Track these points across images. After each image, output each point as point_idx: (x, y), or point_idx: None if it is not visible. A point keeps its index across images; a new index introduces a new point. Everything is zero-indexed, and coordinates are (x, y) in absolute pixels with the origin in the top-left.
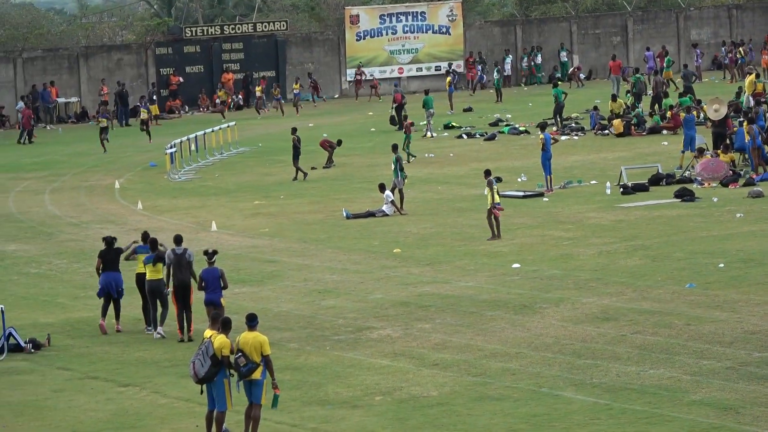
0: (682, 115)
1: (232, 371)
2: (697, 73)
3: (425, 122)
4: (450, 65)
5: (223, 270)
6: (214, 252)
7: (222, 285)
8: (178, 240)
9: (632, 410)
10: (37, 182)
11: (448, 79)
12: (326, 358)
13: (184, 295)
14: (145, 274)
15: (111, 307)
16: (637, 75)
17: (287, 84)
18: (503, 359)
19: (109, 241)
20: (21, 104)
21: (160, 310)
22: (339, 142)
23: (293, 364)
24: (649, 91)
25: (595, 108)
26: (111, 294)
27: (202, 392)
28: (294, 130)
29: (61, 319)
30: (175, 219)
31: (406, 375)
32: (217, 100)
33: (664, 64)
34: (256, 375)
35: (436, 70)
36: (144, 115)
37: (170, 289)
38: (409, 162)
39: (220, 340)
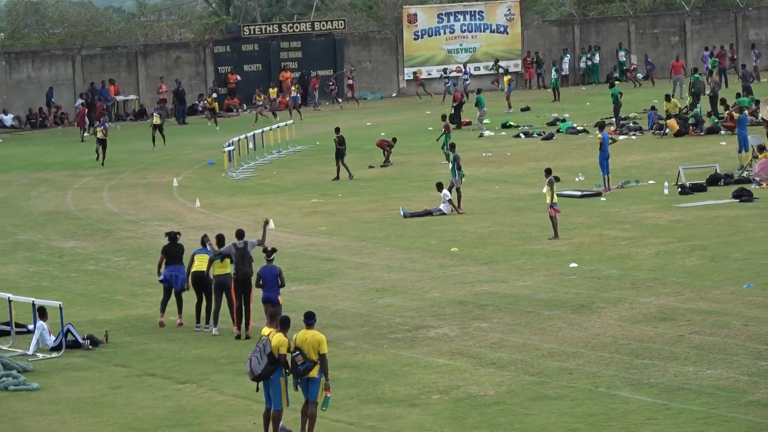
0: (736, 115)
1: (287, 370)
2: (755, 74)
3: (477, 122)
4: (496, 61)
5: (281, 268)
6: (273, 250)
7: (279, 283)
8: (239, 234)
9: (689, 410)
10: (95, 180)
11: (508, 77)
12: (383, 357)
13: (244, 288)
14: (202, 272)
15: (169, 303)
16: (696, 75)
17: (345, 83)
18: (560, 358)
19: (173, 236)
20: (80, 101)
21: (212, 305)
22: (394, 140)
23: (350, 362)
24: (707, 91)
25: (653, 108)
26: (173, 287)
27: (257, 390)
28: (337, 130)
29: (118, 316)
30: (233, 217)
31: (464, 374)
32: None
33: (709, 65)
34: (313, 373)
35: (493, 69)
36: (157, 120)
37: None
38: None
39: (278, 338)
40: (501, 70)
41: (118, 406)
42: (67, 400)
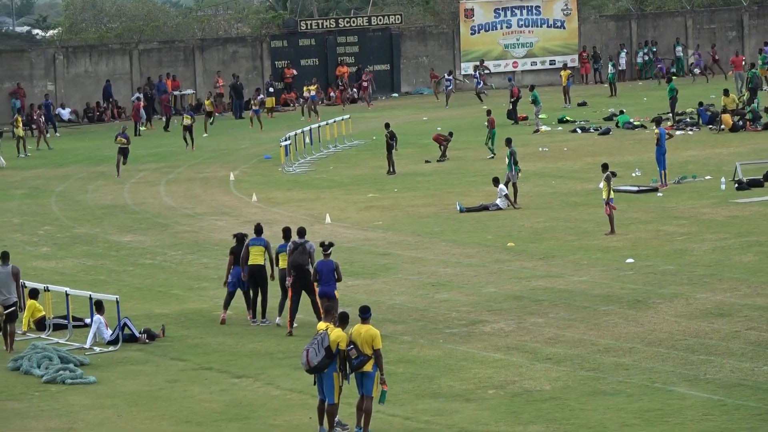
0: None
1: (340, 367)
2: None
3: (534, 118)
4: (481, 62)
5: (338, 263)
6: (330, 244)
7: (336, 277)
8: (301, 232)
9: (746, 406)
10: (152, 174)
11: (567, 72)
12: (439, 351)
13: (303, 280)
14: (259, 265)
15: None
16: (753, 70)
17: (402, 77)
18: (616, 354)
19: (240, 237)
20: (137, 95)
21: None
22: (450, 135)
23: (406, 356)
24: (766, 87)
25: (700, 104)
26: (241, 288)
27: (315, 383)
28: (387, 126)
29: (175, 310)
30: (289, 211)
31: (519, 369)
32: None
33: (759, 61)
34: (367, 368)
35: (550, 64)
36: (187, 120)
37: (291, 279)
38: (493, 157)
39: (336, 332)
40: (486, 71)
41: (175, 399)
42: (124, 393)
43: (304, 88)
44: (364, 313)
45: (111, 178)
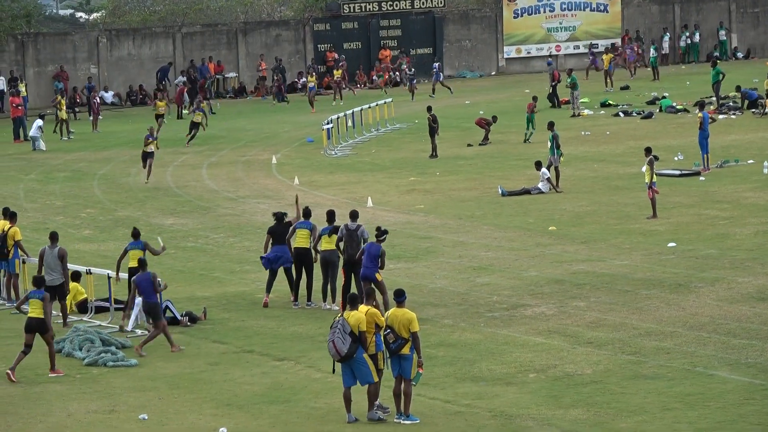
0: None
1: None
2: None
3: (573, 101)
4: (592, 45)
5: (385, 251)
6: (385, 231)
7: (379, 264)
8: (353, 215)
9: None
10: (194, 157)
11: (609, 56)
12: (480, 335)
13: (353, 269)
14: (305, 248)
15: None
16: None
17: (444, 61)
18: (658, 338)
19: (279, 216)
20: (181, 78)
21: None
22: (494, 119)
23: (447, 340)
24: None
25: (738, 88)
26: (284, 266)
27: (334, 371)
28: (429, 109)
29: (217, 293)
30: (330, 194)
31: (560, 353)
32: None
33: None
34: (405, 351)
35: (592, 47)
36: (197, 117)
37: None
38: (527, 141)
39: (355, 316)
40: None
41: (216, 382)
42: (165, 376)
43: (308, 78)
44: (399, 297)
45: (154, 160)
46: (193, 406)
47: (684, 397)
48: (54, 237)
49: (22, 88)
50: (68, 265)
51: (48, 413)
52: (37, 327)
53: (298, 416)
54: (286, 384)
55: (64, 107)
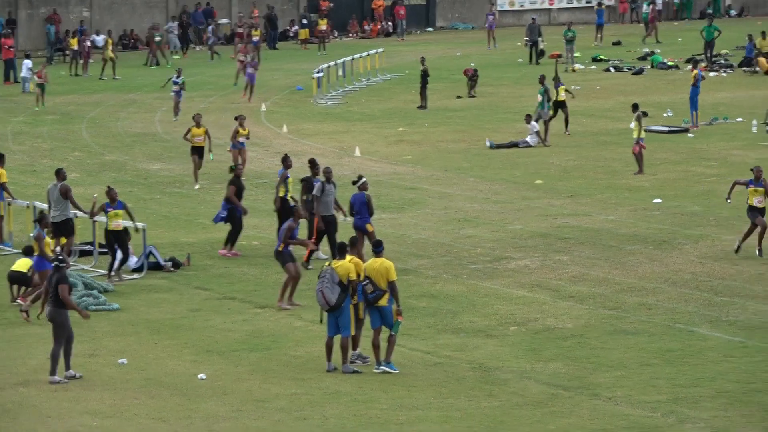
0: None
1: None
2: None
3: (566, 55)
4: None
5: (370, 196)
6: (359, 177)
7: (369, 211)
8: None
9: (767, 349)
10: (183, 103)
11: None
12: (463, 287)
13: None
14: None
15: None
16: None
17: (437, 12)
18: (640, 294)
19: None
20: (171, 24)
21: None
22: (475, 71)
23: (430, 291)
24: None
25: (750, 37)
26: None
27: (321, 321)
28: (423, 60)
29: (201, 239)
30: (318, 143)
31: (542, 306)
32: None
33: None
34: (383, 302)
35: (586, 2)
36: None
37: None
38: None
39: (343, 265)
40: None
41: (197, 328)
42: (147, 321)
43: (253, 32)
44: (377, 247)
45: (143, 105)
46: (173, 352)
47: (663, 353)
48: (58, 173)
49: None
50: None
51: (29, 356)
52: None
53: (277, 364)
54: (267, 332)
55: (111, 46)
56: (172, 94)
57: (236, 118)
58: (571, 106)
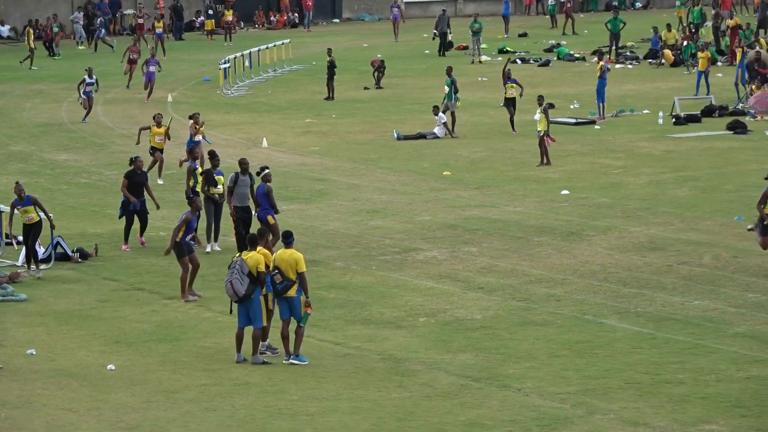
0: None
1: (266, 291)
2: None
3: (472, 47)
4: None
5: (271, 188)
6: (263, 168)
7: (269, 203)
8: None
9: (675, 340)
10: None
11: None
12: (372, 278)
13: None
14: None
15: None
16: (698, 7)
17: (343, 3)
18: (548, 285)
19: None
20: (77, 14)
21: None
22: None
23: (338, 282)
24: (709, 22)
25: (655, 29)
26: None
27: (231, 312)
28: (329, 52)
29: (109, 230)
30: (226, 135)
31: (451, 297)
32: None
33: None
34: (291, 293)
35: None
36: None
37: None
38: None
39: (253, 257)
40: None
41: (105, 319)
42: (55, 312)
43: (156, 24)
44: (287, 238)
45: (48, 96)
46: (82, 343)
47: (572, 344)
48: None
49: None
50: None
51: None
52: None
53: (186, 355)
54: (176, 322)
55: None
56: (84, 96)
57: (191, 117)
58: (478, 98)
